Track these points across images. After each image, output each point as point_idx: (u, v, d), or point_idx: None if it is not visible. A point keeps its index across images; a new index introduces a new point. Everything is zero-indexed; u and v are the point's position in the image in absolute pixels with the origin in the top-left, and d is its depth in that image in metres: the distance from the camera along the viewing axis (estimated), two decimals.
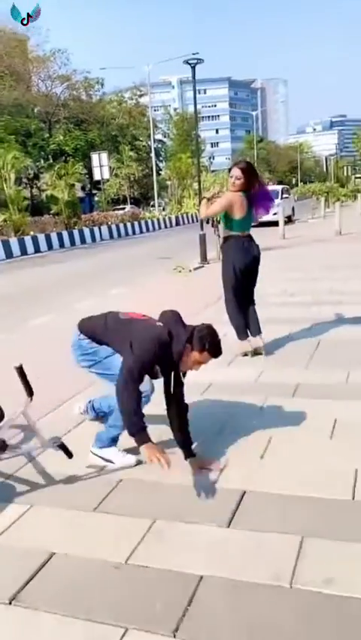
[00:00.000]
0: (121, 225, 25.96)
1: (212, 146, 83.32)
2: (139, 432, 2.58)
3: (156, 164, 41.42)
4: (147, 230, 27.63)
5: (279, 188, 25.28)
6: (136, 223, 27.53)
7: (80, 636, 1.87)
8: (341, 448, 3.06)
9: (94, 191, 43.21)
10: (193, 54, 17.76)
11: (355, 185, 44.68)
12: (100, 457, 3.04)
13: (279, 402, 3.77)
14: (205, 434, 3.25)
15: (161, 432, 3.10)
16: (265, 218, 10.72)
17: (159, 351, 2.69)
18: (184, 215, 32.30)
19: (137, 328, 2.81)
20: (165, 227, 29.41)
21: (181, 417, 2.91)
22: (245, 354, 4.84)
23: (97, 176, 29.58)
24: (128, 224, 26.64)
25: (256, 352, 4.88)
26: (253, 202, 4.72)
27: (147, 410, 2.76)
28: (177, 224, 30.67)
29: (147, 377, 2.83)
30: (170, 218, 31.23)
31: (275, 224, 17.12)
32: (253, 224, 4.88)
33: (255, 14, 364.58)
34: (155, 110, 47.87)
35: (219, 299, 5.61)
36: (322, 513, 2.46)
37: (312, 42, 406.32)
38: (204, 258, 12.53)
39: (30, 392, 2.92)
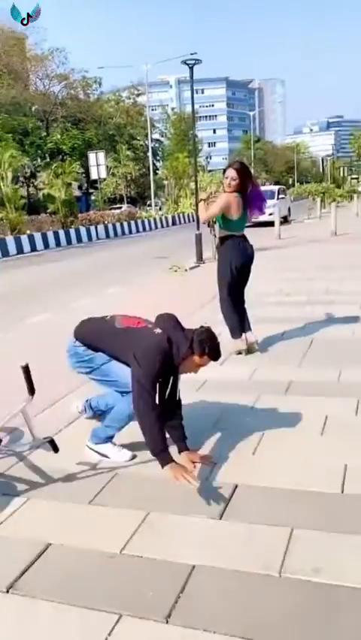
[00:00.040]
0: (118, 225, 26.01)
1: (209, 146, 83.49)
2: (161, 453, 2.63)
3: (153, 164, 41.46)
4: (144, 229, 27.68)
5: (275, 188, 25.40)
6: (133, 222, 27.58)
7: (76, 622, 1.93)
8: (332, 443, 3.14)
9: (91, 191, 43.24)
10: (191, 54, 17.93)
11: (351, 186, 44.88)
12: (96, 451, 3.09)
13: (272, 399, 3.84)
14: (199, 430, 3.31)
15: None
16: (261, 218, 10.81)
17: (162, 360, 2.70)
18: (181, 215, 32.35)
19: (137, 338, 2.82)
20: (162, 226, 29.47)
21: (176, 412, 2.96)
22: (239, 353, 4.91)
23: (94, 175, 29.66)
24: (125, 224, 26.69)
25: (249, 351, 4.95)
26: (247, 202, 4.79)
27: None
28: (174, 223, 30.72)
29: None
30: (166, 218, 31.28)
31: (271, 224, 17.21)
32: (247, 224, 4.96)
33: (254, 14, 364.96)
34: (152, 110, 48.00)
35: (214, 298, 5.68)
36: (311, 506, 2.53)
37: (310, 43, 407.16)
38: (200, 258, 12.60)
39: (32, 390, 2.98)
